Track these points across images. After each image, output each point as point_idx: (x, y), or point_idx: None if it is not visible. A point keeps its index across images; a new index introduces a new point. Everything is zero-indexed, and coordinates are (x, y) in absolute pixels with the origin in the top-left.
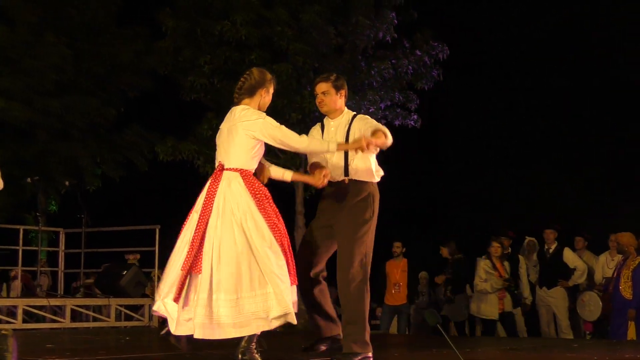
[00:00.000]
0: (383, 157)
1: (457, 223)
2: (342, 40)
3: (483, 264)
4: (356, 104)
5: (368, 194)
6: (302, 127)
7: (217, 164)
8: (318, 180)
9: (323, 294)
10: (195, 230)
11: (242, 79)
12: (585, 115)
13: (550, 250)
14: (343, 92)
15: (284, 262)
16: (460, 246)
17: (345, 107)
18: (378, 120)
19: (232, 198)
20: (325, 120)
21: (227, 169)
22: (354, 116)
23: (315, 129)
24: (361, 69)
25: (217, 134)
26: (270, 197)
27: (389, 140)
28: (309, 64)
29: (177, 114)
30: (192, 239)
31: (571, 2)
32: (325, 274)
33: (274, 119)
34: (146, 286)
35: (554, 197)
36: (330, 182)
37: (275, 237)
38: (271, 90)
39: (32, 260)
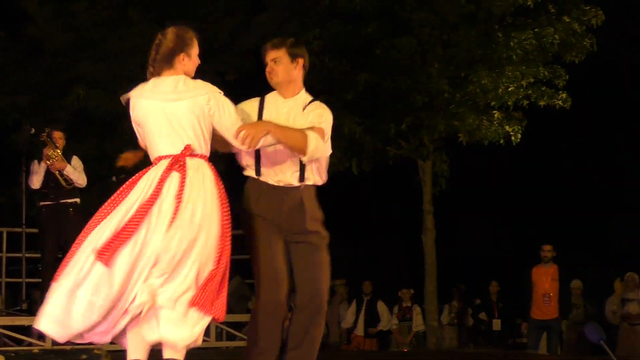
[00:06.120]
0: (526, 144)
1: (618, 222)
2: (475, 7)
3: None
4: (493, 82)
5: None
6: (428, 112)
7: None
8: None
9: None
10: None
11: (153, 45)
12: None
13: None
14: (301, 61)
15: None
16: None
17: (304, 87)
18: (519, 100)
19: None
20: (272, 97)
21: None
22: (312, 100)
23: (249, 104)
24: (498, 40)
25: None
26: None
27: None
28: (436, 37)
29: None
30: None
31: None
32: None
33: (396, 101)
34: (250, 300)
35: None
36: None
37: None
38: (193, 53)
39: None
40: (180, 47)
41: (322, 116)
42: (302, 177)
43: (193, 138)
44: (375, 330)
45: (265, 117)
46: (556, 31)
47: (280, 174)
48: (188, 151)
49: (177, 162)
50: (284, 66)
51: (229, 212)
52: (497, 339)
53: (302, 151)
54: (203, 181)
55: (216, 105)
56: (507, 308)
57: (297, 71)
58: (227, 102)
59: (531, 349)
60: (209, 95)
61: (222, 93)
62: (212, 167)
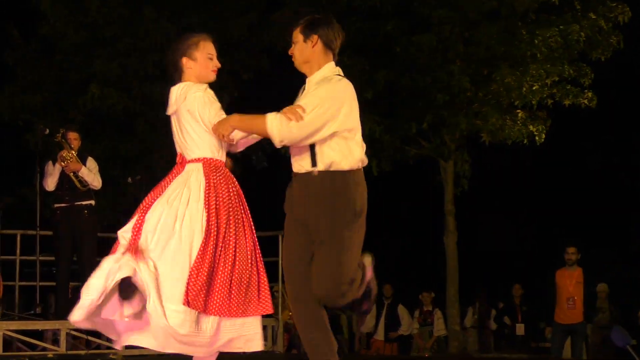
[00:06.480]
0: (550, 144)
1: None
2: (497, 3)
3: None
4: (516, 80)
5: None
6: (449, 110)
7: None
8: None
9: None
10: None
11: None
12: None
13: None
14: (315, 38)
15: None
16: None
17: (332, 63)
18: (543, 99)
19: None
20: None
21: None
22: (324, 78)
23: None
24: (522, 37)
25: None
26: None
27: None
28: (457, 34)
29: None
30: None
31: None
32: None
33: (416, 99)
34: None
35: None
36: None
37: None
38: (199, 55)
39: None
40: (182, 52)
41: (308, 96)
42: (313, 161)
43: (189, 144)
44: (395, 334)
45: (296, 101)
46: (582, 28)
47: (297, 160)
48: (181, 158)
49: (173, 169)
50: (298, 47)
51: (220, 211)
52: (520, 343)
53: (269, 136)
54: (190, 184)
55: (193, 109)
56: (530, 312)
57: (311, 49)
58: (201, 102)
59: (555, 353)
60: (186, 102)
61: (205, 88)
62: (210, 169)
